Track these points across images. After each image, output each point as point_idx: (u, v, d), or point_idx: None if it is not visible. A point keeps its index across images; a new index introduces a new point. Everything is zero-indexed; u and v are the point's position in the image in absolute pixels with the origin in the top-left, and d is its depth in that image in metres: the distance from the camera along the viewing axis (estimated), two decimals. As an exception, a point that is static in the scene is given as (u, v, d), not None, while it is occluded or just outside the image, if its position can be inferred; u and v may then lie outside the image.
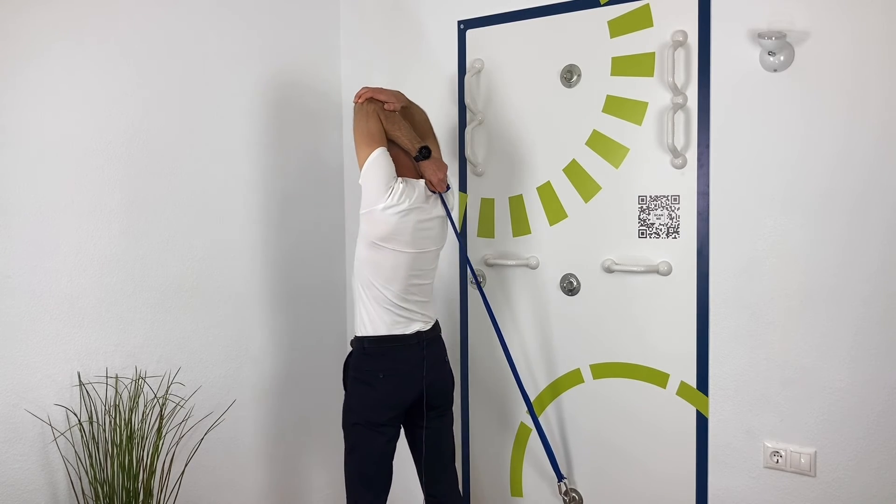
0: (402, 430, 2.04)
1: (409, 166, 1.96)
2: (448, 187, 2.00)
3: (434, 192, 1.97)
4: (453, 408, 2.08)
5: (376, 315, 1.90)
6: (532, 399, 2.31)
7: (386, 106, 1.95)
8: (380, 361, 1.91)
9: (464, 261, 2.44)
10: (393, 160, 1.90)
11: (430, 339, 1.97)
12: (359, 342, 1.94)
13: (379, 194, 1.83)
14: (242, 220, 2.30)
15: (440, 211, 1.98)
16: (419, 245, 1.91)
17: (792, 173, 1.90)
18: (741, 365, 1.99)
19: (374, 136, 1.89)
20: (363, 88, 1.97)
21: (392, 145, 1.94)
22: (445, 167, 1.98)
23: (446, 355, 2.05)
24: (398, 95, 1.99)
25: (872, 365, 1.83)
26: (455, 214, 2.39)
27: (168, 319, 2.07)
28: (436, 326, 2.02)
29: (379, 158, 1.85)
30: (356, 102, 1.96)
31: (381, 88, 1.98)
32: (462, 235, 2.41)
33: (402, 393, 1.92)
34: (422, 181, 1.94)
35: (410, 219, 1.86)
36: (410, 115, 2.05)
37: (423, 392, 1.93)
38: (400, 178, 1.88)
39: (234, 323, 2.28)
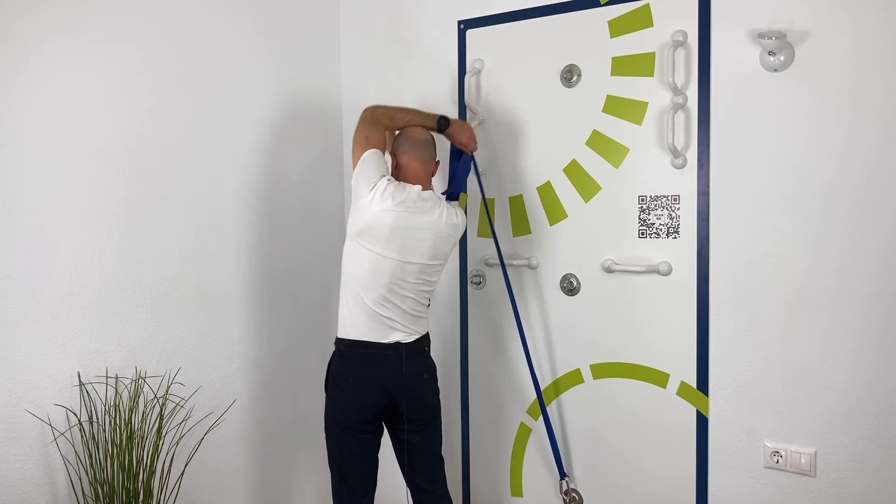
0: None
1: (422, 176, 1.97)
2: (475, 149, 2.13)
3: (467, 156, 2.10)
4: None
5: (356, 317, 1.89)
6: (533, 400, 2.31)
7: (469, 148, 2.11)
8: (350, 366, 1.90)
9: (463, 261, 2.45)
10: (406, 170, 1.95)
11: (411, 352, 1.91)
12: (336, 344, 1.95)
13: (363, 188, 1.86)
14: (243, 220, 2.30)
15: (441, 230, 1.90)
16: (403, 254, 1.86)
17: (793, 173, 1.90)
18: (741, 365, 1.99)
19: (372, 141, 1.93)
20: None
21: (409, 156, 1.96)
22: (469, 125, 2.12)
23: (433, 371, 2.00)
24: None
25: (873, 365, 1.83)
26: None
27: (168, 319, 2.07)
28: (422, 340, 1.96)
29: (369, 157, 1.90)
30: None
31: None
32: (468, 233, 2.40)
33: (368, 400, 1.88)
34: (417, 187, 1.91)
35: (389, 217, 1.84)
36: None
37: (395, 402, 1.89)
38: (388, 177, 1.90)
39: (234, 323, 2.28)
